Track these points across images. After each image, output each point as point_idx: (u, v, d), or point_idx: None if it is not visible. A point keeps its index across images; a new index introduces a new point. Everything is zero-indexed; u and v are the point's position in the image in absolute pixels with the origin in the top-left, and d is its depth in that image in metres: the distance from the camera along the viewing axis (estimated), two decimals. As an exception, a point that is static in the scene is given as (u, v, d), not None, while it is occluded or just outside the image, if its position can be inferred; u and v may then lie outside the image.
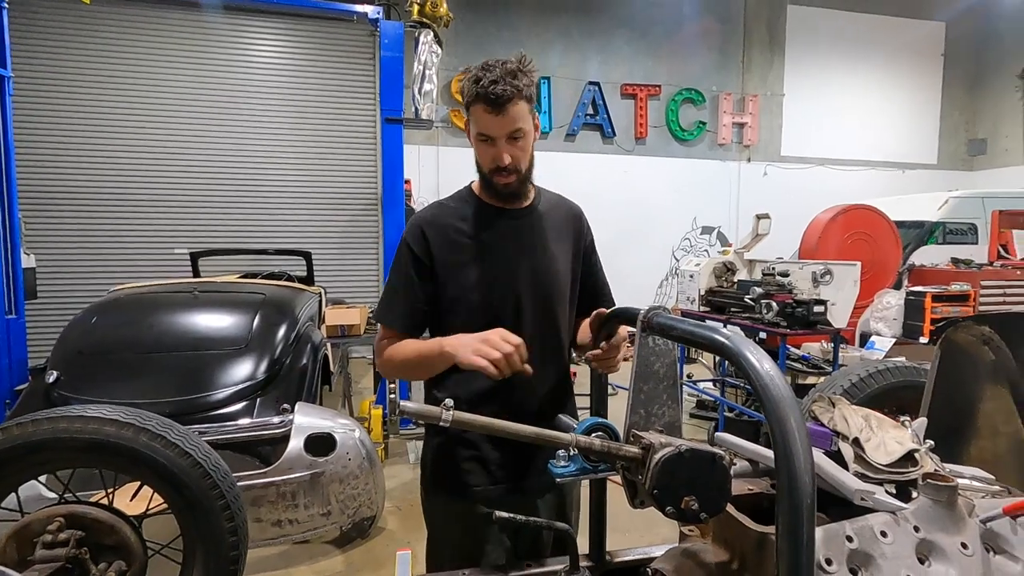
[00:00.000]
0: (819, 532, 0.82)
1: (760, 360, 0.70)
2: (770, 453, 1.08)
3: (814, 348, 3.97)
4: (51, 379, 2.80)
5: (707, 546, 1.01)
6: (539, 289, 1.35)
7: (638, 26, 8.85)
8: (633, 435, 0.90)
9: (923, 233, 6.50)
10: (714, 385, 4.47)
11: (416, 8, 4.73)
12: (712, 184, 9.36)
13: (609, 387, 1.33)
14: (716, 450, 0.85)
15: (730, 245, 6.18)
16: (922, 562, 0.83)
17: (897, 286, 4.87)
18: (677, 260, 9.26)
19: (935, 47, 10.35)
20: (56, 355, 2.99)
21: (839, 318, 3.42)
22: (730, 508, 0.95)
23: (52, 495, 1.94)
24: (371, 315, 4.60)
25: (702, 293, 4.18)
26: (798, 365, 3.72)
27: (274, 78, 7.27)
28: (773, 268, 3.63)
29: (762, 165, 9.59)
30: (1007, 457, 1.34)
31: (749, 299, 3.60)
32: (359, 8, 5.18)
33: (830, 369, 3.48)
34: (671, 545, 1.13)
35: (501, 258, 1.34)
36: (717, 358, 4.71)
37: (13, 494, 1.42)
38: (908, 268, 5.18)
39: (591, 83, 8.67)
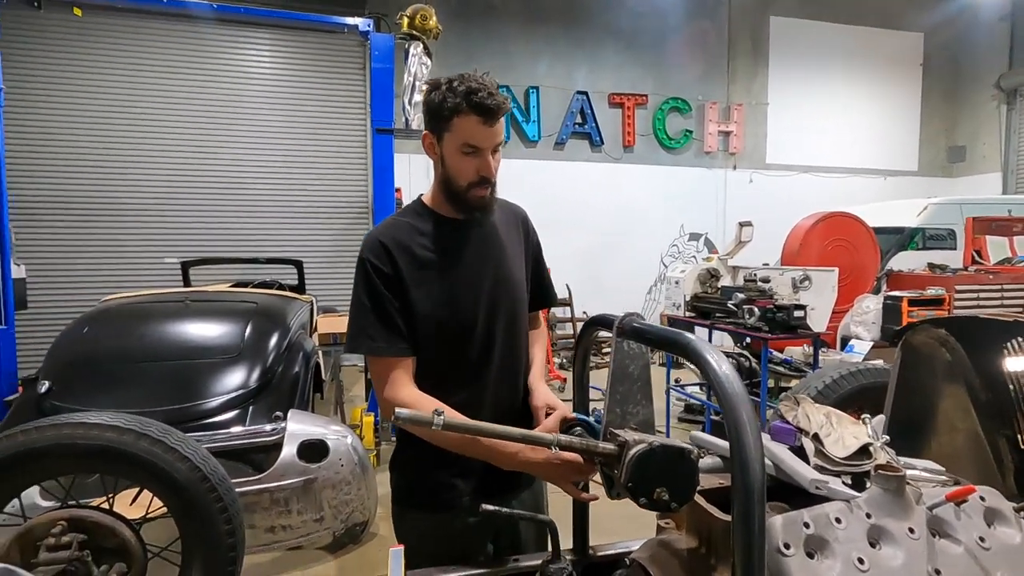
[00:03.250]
0: (779, 519, 0.89)
1: (719, 362, 0.78)
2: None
3: (796, 352, 4.07)
4: (43, 389, 2.81)
5: (680, 536, 1.07)
6: (504, 298, 1.35)
7: (625, 36, 9.01)
8: (610, 433, 0.97)
9: (903, 239, 6.67)
10: (700, 389, 4.55)
11: (406, 21, 4.82)
12: (699, 191, 9.52)
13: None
14: (685, 445, 0.92)
15: (716, 252, 6.29)
16: (873, 545, 0.91)
17: (876, 291, 5.01)
18: (666, 266, 9.39)
19: (914, 57, 10.61)
20: (47, 365, 3.00)
21: (818, 322, 3.52)
22: (701, 500, 1.02)
23: (47, 503, 1.97)
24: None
25: (687, 299, 4.27)
26: (780, 368, 3.82)
27: (266, 89, 7.32)
28: (755, 274, 3.73)
29: (748, 173, 9.76)
30: (964, 451, 1.42)
31: (732, 305, 3.70)
32: (350, 21, 5.26)
33: (810, 372, 3.57)
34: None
35: (467, 272, 1.31)
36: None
37: (15, 500, 1.46)
38: (886, 273, 5.32)
39: (579, 92, 8.80)
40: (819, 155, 10.11)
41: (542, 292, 1.51)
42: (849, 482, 1.02)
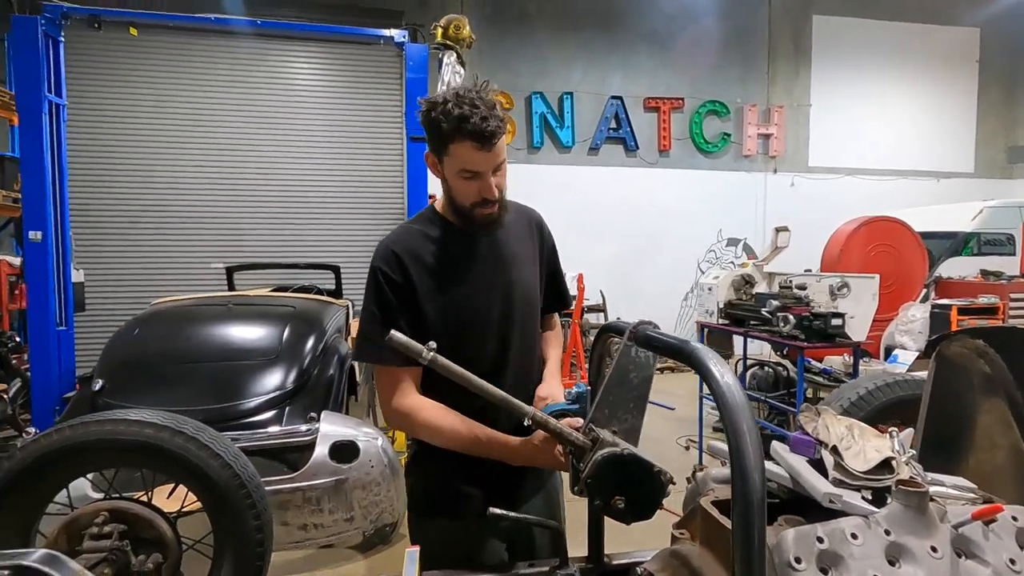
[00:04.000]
0: (791, 533, 0.87)
1: (722, 372, 0.77)
2: (765, 463, 1.14)
3: (836, 361, 3.92)
4: (97, 387, 2.96)
5: (693, 547, 1.06)
6: (518, 304, 1.35)
7: (660, 40, 8.91)
8: (589, 428, 0.97)
9: (956, 244, 6.33)
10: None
11: (440, 31, 4.92)
12: (737, 196, 9.30)
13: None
14: (659, 466, 0.91)
15: (754, 257, 6.13)
16: (892, 563, 0.88)
17: (924, 299, 4.77)
18: (702, 272, 9.20)
19: (969, 53, 10.11)
20: (101, 365, 3.16)
21: (857, 331, 3.38)
22: (712, 510, 1.01)
23: (97, 495, 2.09)
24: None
25: (720, 306, 4.17)
26: (818, 378, 3.69)
27: (306, 99, 7.56)
28: (790, 281, 3.62)
29: (789, 176, 9.48)
30: (1006, 468, 1.35)
31: (766, 312, 3.60)
32: (386, 32, 5.40)
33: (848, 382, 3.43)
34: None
35: (480, 279, 1.32)
36: (737, 375, 4.68)
37: (64, 490, 1.55)
38: (935, 280, 5.05)
39: (614, 97, 8.75)
40: (865, 157, 9.74)
41: (556, 295, 1.51)
42: (869, 497, 0.99)
